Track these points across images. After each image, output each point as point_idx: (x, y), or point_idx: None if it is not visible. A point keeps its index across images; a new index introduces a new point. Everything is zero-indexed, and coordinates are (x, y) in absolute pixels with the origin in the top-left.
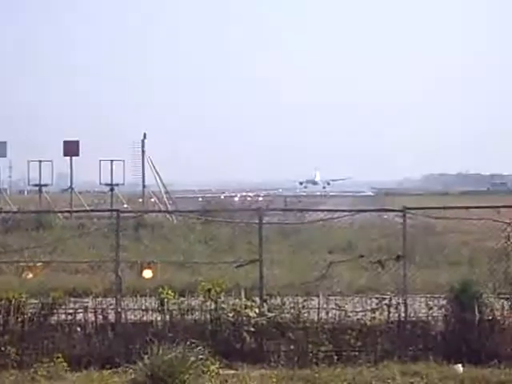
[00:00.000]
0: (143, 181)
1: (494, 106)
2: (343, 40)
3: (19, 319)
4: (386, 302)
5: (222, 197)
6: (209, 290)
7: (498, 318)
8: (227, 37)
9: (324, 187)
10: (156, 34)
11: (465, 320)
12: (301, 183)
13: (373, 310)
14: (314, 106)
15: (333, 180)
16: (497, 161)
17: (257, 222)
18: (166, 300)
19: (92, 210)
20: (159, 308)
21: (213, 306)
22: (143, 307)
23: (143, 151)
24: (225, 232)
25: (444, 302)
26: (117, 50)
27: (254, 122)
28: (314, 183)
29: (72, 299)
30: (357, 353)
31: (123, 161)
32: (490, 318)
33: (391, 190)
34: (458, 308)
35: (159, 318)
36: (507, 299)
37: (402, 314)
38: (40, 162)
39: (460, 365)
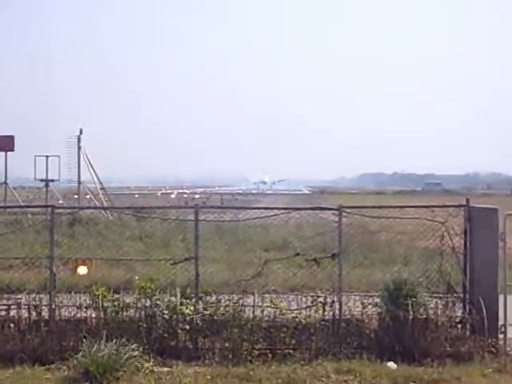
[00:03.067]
0: (79, 177)
1: (429, 106)
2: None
3: None
4: (321, 300)
5: (159, 194)
6: (144, 287)
7: (432, 316)
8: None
9: (273, 184)
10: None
11: (399, 318)
12: (254, 183)
13: (308, 308)
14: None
15: (279, 181)
16: (431, 161)
17: (193, 219)
18: (100, 297)
19: (26, 206)
20: (93, 305)
21: (148, 304)
22: (77, 304)
23: (79, 147)
24: (160, 229)
25: (378, 300)
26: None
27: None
28: (264, 183)
29: (5, 295)
30: (291, 351)
31: (59, 156)
32: (424, 316)
33: (327, 188)
34: (392, 306)
35: (93, 315)
36: (441, 298)
37: (337, 312)
38: None
39: (393, 363)
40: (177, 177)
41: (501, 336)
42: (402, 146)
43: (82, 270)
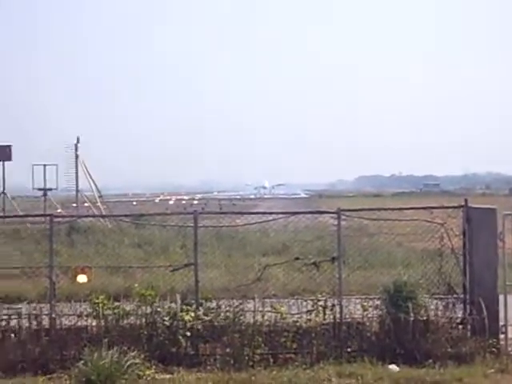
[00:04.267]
0: (76, 185)
1: (426, 107)
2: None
3: None
4: (322, 303)
5: (157, 200)
6: (143, 295)
7: (432, 318)
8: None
9: (272, 189)
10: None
11: (399, 320)
12: (255, 188)
13: (308, 312)
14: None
15: (278, 185)
16: (429, 162)
17: (192, 225)
18: (100, 305)
19: (25, 216)
20: (94, 313)
21: (148, 311)
22: (78, 312)
23: (76, 155)
24: (159, 236)
25: (379, 302)
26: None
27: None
28: (264, 188)
29: (6, 305)
30: (293, 355)
31: (56, 165)
32: (425, 318)
33: (325, 191)
34: (393, 309)
35: (94, 323)
36: (441, 299)
37: (338, 316)
38: None
39: (394, 365)
40: (174, 184)
41: (502, 336)
42: (399, 147)
43: (82, 278)
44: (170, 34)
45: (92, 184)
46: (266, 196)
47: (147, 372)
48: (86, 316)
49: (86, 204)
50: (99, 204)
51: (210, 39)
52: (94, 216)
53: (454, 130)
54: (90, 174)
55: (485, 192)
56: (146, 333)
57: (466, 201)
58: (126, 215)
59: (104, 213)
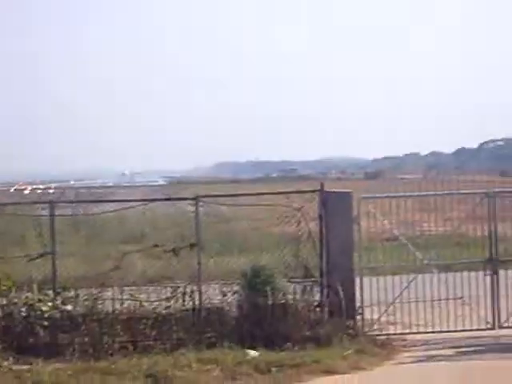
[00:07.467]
0: None
1: (285, 93)
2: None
3: None
4: (181, 290)
5: (12, 190)
6: None
7: (291, 302)
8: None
9: (131, 177)
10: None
11: (258, 305)
12: (120, 176)
13: (168, 299)
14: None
15: (136, 173)
16: (286, 147)
17: (48, 214)
18: None
19: None
20: None
21: (4, 302)
22: None
23: None
24: (15, 226)
25: (237, 288)
26: None
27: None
28: (123, 175)
29: None
30: (152, 342)
31: None
32: (283, 302)
33: (183, 178)
34: (251, 293)
35: None
36: (299, 283)
37: (197, 302)
38: None
39: (253, 350)
40: (32, 173)
41: (358, 318)
42: (257, 134)
43: None
44: None
45: None
46: (124, 184)
47: (4, 363)
48: None
49: None
50: None
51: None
52: None
53: (308, 115)
54: None
55: (340, 176)
56: (2, 324)
57: (322, 185)
58: None
59: None
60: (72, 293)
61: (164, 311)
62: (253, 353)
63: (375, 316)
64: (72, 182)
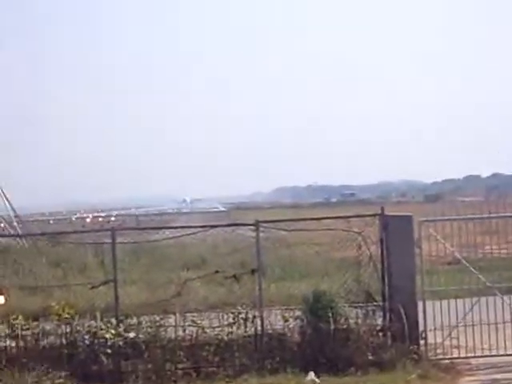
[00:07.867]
0: None
1: (341, 117)
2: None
3: None
4: (243, 316)
5: (74, 218)
6: (61, 314)
7: (353, 326)
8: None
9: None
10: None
11: (320, 330)
12: (179, 203)
13: (229, 325)
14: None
15: (196, 200)
16: (345, 171)
17: (109, 241)
18: (18, 325)
19: None
20: (11, 334)
21: (68, 330)
22: None
23: None
24: (77, 254)
25: (299, 313)
26: None
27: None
28: (184, 201)
29: None
30: (215, 368)
31: None
32: (345, 326)
33: (242, 204)
34: (313, 319)
35: (13, 344)
36: (361, 308)
37: (259, 328)
38: None
39: (313, 373)
40: (94, 201)
41: (422, 342)
42: (315, 158)
43: None
44: None
45: (7, 203)
46: (184, 210)
47: None
48: (4, 337)
49: (1, 224)
50: (15, 223)
51: None
52: (9, 236)
53: (365, 139)
54: (4, 193)
55: (400, 200)
56: (66, 352)
57: (382, 209)
58: (42, 234)
59: (20, 232)
60: (134, 320)
61: (226, 337)
62: (312, 376)
63: (439, 340)
64: (133, 210)
